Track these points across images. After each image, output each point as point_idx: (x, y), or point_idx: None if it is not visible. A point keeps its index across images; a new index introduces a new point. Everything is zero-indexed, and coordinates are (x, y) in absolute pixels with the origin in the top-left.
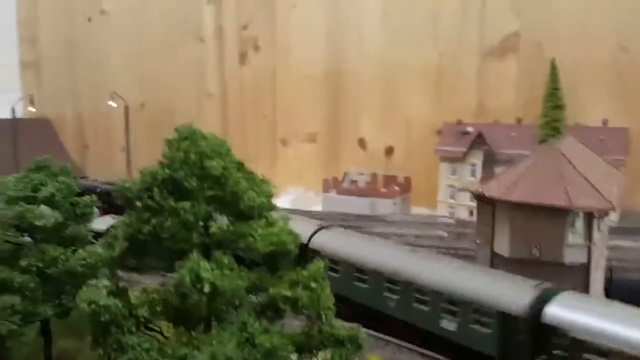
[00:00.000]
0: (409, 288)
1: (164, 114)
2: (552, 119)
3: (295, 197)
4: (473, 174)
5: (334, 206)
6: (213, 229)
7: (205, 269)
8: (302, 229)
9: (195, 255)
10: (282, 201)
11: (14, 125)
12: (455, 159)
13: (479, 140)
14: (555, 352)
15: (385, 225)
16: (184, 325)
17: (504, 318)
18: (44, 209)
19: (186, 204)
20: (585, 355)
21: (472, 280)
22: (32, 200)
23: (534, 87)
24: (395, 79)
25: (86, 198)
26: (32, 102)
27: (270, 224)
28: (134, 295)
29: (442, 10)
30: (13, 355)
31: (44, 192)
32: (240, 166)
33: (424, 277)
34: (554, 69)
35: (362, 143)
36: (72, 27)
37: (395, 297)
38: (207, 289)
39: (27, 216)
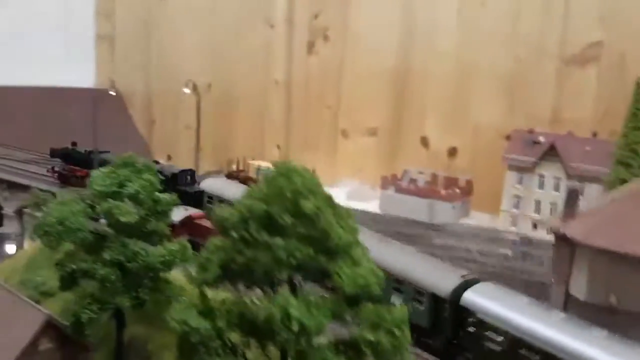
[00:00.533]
0: None
1: (229, 96)
2: (633, 141)
3: (352, 190)
4: (541, 185)
5: (391, 205)
6: (302, 264)
7: (294, 306)
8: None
9: (285, 292)
10: (338, 192)
11: (88, 95)
12: (523, 169)
13: (550, 152)
14: (468, 329)
15: (446, 236)
16: (258, 339)
17: (435, 299)
18: (128, 205)
19: (279, 241)
20: (486, 333)
21: (414, 265)
22: (118, 196)
23: (613, 101)
24: (466, 79)
25: (167, 196)
26: (112, 86)
27: (355, 262)
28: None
29: (521, 12)
30: (89, 338)
31: (130, 188)
32: (328, 200)
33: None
34: (638, 88)
35: (424, 141)
36: (147, 4)
37: None
38: (295, 327)
39: (114, 212)
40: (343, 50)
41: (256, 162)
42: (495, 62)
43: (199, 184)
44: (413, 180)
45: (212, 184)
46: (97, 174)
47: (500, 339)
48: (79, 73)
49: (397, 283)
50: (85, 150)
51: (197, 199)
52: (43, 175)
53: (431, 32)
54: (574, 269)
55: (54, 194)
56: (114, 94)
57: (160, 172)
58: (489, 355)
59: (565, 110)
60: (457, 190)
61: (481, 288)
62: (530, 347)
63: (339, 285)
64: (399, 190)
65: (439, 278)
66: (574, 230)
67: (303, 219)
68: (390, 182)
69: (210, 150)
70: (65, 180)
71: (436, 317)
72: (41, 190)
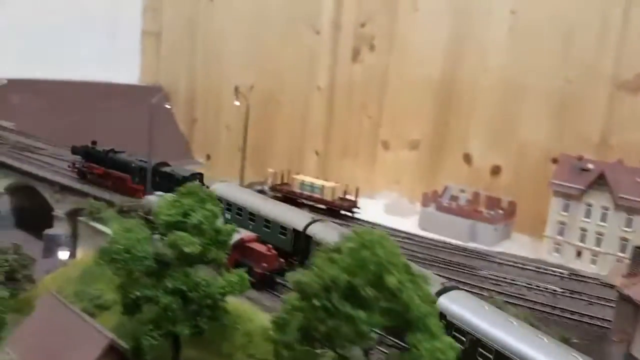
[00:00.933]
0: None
1: (271, 99)
2: None
3: (390, 202)
4: (588, 214)
5: (431, 223)
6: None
7: None
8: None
9: None
10: (376, 203)
11: (133, 91)
12: (570, 196)
13: (599, 181)
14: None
15: (491, 266)
16: None
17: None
18: (192, 235)
19: (362, 314)
20: (453, 332)
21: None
22: (182, 226)
23: None
24: (514, 96)
25: (228, 226)
26: (167, 99)
27: (434, 335)
28: None
29: (575, 35)
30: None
31: (193, 219)
32: (407, 268)
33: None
34: None
35: (467, 158)
36: (194, 4)
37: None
38: None
39: (179, 243)
40: (388, 59)
41: (300, 177)
42: (545, 82)
43: (207, 187)
44: (454, 198)
45: (220, 189)
46: (163, 202)
47: None
48: (124, 68)
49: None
50: (103, 150)
51: None
52: (64, 169)
53: (481, 47)
54: (637, 330)
55: (109, 203)
56: (162, 91)
57: (172, 174)
58: None
59: (614, 136)
60: (500, 212)
61: (454, 294)
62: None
63: (418, 358)
64: (440, 208)
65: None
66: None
67: (386, 293)
68: (431, 199)
69: (249, 151)
70: (83, 176)
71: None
72: (96, 198)
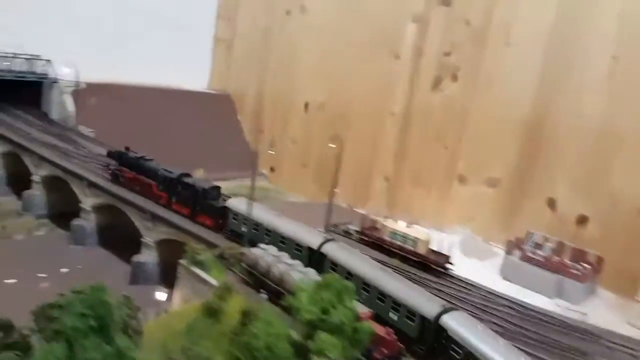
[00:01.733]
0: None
1: (342, 119)
2: None
3: (465, 241)
4: None
5: (515, 273)
6: None
7: None
8: None
9: None
10: (449, 238)
11: (200, 97)
12: None
13: None
14: (441, 341)
15: (610, 350)
16: None
17: (423, 320)
18: (332, 335)
19: None
20: (452, 345)
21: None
22: (323, 325)
23: None
24: (608, 145)
25: (366, 325)
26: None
27: None
28: None
29: None
30: None
31: (334, 318)
32: None
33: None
34: None
35: (551, 203)
36: (270, 15)
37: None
38: None
39: (322, 347)
40: (472, 92)
41: (390, 225)
42: None
43: (224, 200)
44: (537, 246)
45: (235, 203)
46: (304, 296)
47: None
48: (194, 74)
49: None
50: (135, 156)
51: (221, 212)
52: (99, 170)
53: (576, 91)
54: None
55: (209, 244)
56: (229, 98)
57: (194, 185)
58: None
59: None
60: (587, 267)
61: (454, 315)
62: None
63: None
64: (525, 258)
65: (427, 304)
66: None
67: None
68: (515, 246)
69: (315, 167)
70: (115, 178)
71: (424, 332)
72: (198, 243)
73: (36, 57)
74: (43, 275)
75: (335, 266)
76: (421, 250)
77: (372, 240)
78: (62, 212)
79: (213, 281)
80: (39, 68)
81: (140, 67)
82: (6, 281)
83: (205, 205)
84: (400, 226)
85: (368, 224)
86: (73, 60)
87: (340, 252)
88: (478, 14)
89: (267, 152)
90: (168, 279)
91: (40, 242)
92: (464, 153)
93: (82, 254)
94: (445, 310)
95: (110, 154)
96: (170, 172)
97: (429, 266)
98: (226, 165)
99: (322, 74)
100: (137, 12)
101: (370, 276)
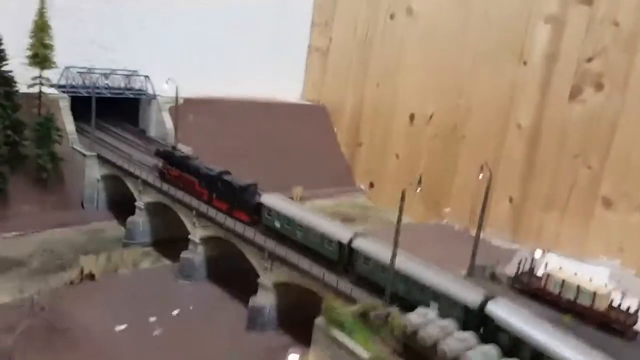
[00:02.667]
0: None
1: (454, 132)
2: None
3: (616, 274)
4: None
5: None
6: None
7: None
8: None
9: None
10: (596, 271)
11: (296, 109)
12: None
13: None
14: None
15: None
16: None
17: (467, 310)
18: None
19: None
20: (500, 332)
21: (447, 283)
22: None
23: None
24: None
25: None
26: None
27: None
28: None
29: None
30: None
31: None
32: None
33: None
34: None
35: None
36: (371, 20)
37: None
38: None
39: None
40: (621, 104)
41: (558, 274)
42: None
43: (260, 196)
44: None
45: (270, 199)
46: None
47: None
48: (288, 84)
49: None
50: (180, 155)
51: (256, 208)
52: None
53: None
54: None
55: (350, 300)
56: (324, 109)
57: (231, 183)
58: None
59: None
60: None
61: (498, 302)
62: None
63: None
64: None
65: (470, 293)
66: None
67: None
68: None
69: (423, 185)
70: (162, 176)
71: (468, 323)
72: (334, 296)
73: (134, 73)
74: (154, 318)
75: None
76: (601, 306)
77: (532, 291)
78: (166, 239)
79: (360, 351)
80: (137, 84)
81: (234, 79)
82: (117, 328)
83: (241, 201)
84: (570, 274)
85: (524, 268)
86: (172, 76)
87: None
88: (628, 13)
89: (364, 167)
90: (286, 324)
91: (147, 277)
92: (611, 173)
93: (191, 290)
94: (488, 298)
95: (157, 153)
96: (211, 170)
97: (609, 326)
98: (323, 181)
99: (431, 82)
100: (233, 26)
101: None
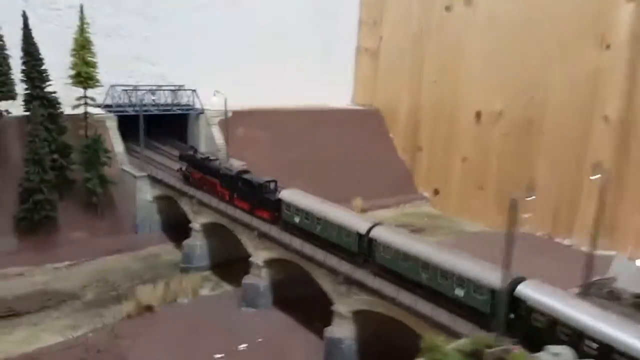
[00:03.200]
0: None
1: (528, 129)
2: None
3: None
4: None
5: None
6: None
7: None
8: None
9: None
10: None
11: (347, 114)
12: None
13: None
14: (518, 311)
15: None
16: None
17: (493, 292)
18: None
19: None
20: (533, 315)
21: (478, 268)
22: None
23: None
24: None
25: None
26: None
27: None
28: None
29: None
30: None
31: None
32: None
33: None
34: None
35: None
36: (424, 14)
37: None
38: None
39: None
40: None
41: None
42: None
43: (279, 192)
44: None
45: (288, 194)
46: None
47: None
48: (336, 89)
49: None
50: (201, 157)
51: (277, 204)
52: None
53: None
54: None
55: (451, 333)
56: (378, 113)
57: (251, 181)
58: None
59: None
60: None
61: (528, 283)
62: None
63: None
64: None
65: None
66: None
67: None
68: None
69: (494, 189)
70: (186, 178)
71: (497, 305)
72: (436, 332)
73: (180, 88)
74: (220, 356)
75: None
76: None
77: None
78: (225, 261)
79: None
80: (184, 99)
81: (282, 88)
82: None
83: (262, 199)
84: None
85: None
86: (219, 88)
87: None
88: None
89: (425, 172)
90: (369, 358)
91: (208, 306)
92: None
93: (257, 320)
94: (517, 281)
95: (181, 157)
96: (230, 170)
97: None
98: (382, 190)
99: (497, 76)
100: (277, 34)
101: None
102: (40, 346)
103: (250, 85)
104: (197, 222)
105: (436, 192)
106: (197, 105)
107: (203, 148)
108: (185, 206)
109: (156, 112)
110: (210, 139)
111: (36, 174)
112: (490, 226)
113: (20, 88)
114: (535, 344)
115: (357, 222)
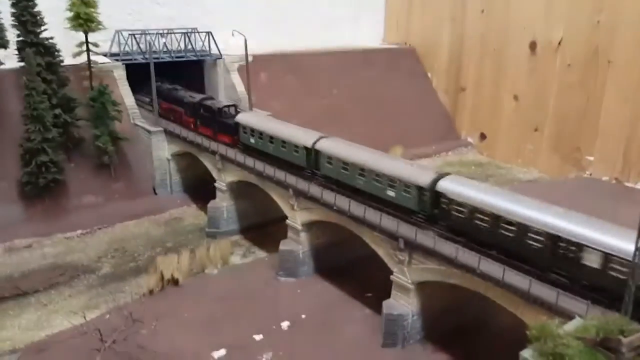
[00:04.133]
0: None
1: (593, 57)
2: None
3: None
4: None
5: None
6: None
7: None
8: None
9: None
10: None
11: (380, 54)
12: None
13: None
14: (442, 205)
15: None
16: None
17: (420, 189)
18: None
19: None
20: (453, 206)
21: (406, 170)
22: None
23: None
24: None
25: None
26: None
27: None
28: None
29: None
30: None
31: None
32: None
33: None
34: None
35: None
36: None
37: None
38: None
39: None
40: None
41: None
42: None
43: (235, 116)
44: None
45: (244, 118)
46: None
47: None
48: (366, 26)
49: (390, 181)
50: (167, 87)
51: (235, 128)
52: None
53: None
54: None
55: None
56: (414, 52)
57: (211, 107)
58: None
59: None
60: None
61: (448, 179)
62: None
63: None
64: None
65: (422, 175)
66: None
67: None
68: None
69: (552, 129)
70: (159, 113)
71: (422, 201)
72: (550, 316)
73: (194, 31)
74: (259, 337)
75: None
76: None
77: None
78: (256, 224)
79: None
80: (198, 43)
81: (306, 28)
82: (215, 355)
83: (222, 123)
84: None
85: None
86: (238, 30)
87: None
88: None
89: (470, 115)
90: (435, 335)
91: (241, 277)
92: None
93: (298, 292)
94: (439, 177)
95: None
96: (193, 97)
97: None
98: (423, 137)
99: (556, 3)
100: None
101: None
102: (50, 332)
103: (272, 26)
104: (223, 180)
105: (483, 136)
106: (214, 50)
107: (223, 98)
108: (208, 163)
109: (168, 59)
110: (230, 88)
111: (37, 132)
112: (546, 172)
113: (12, 35)
114: (459, 235)
115: (304, 137)
